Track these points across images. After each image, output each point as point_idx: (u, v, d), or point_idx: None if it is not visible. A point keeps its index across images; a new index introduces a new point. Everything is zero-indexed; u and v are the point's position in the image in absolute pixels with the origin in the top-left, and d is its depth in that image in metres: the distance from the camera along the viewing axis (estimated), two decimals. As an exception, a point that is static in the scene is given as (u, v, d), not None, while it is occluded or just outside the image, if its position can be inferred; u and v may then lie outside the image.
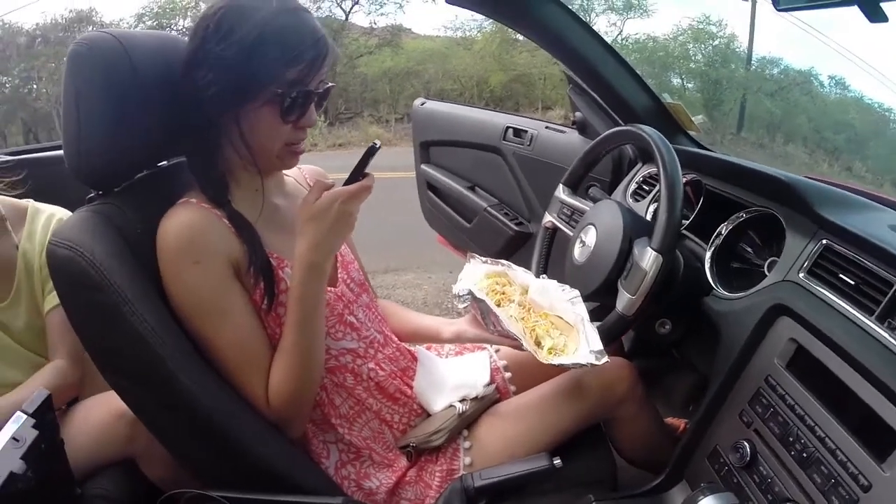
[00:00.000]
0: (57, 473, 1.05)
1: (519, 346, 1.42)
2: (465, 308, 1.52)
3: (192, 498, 1.16)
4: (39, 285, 1.67)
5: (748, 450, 1.27)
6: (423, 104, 3.36)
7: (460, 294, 1.52)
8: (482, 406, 1.55)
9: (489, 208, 2.98)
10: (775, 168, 1.57)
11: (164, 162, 1.43)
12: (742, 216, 1.59)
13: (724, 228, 1.60)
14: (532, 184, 2.82)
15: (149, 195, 1.30)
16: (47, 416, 1.01)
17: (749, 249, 1.61)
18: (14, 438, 0.93)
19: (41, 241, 1.68)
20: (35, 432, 0.96)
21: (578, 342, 1.39)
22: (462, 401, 1.50)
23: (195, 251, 1.19)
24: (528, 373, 1.65)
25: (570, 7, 1.91)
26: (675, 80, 17.32)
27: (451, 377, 1.58)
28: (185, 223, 1.20)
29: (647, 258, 1.38)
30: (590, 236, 1.61)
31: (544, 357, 1.37)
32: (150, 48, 1.24)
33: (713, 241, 1.60)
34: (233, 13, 1.18)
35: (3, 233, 1.66)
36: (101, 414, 1.52)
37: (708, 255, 1.60)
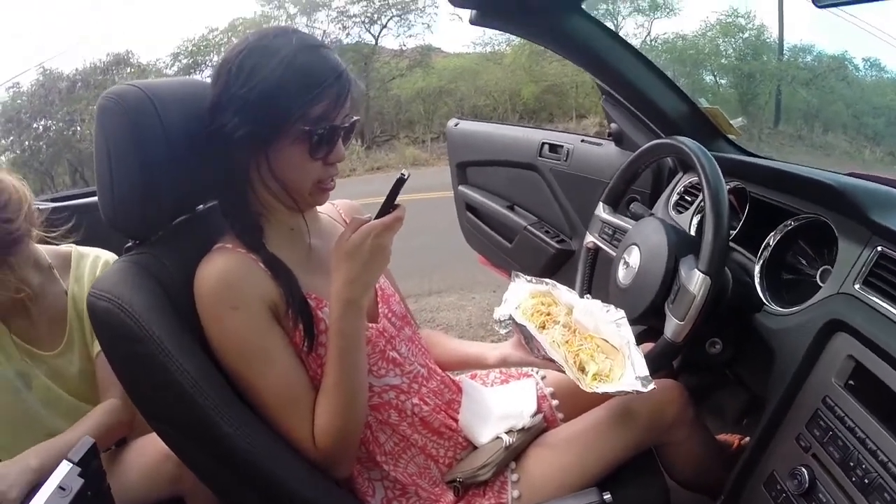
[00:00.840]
0: None
1: (563, 372, 1.37)
2: (506, 332, 1.50)
3: None
4: (90, 329, 1.67)
5: (806, 476, 1.19)
6: (456, 125, 3.33)
7: (501, 319, 1.50)
8: (529, 437, 1.51)
9: (529, 227, 2.94)
10: (817, 161, 1.51)
11: (201, 206, 1.44)
12: (790, 224, 1.52)
13: (772, 239, 1.54)
14: (571, 199, 2.78)
15: (185, 241, 1.30)
16: (93, 464, 1.01)
17: (800, 259, 1.54)
18: (60, 487, 0.93)
19: (89, 283, 1.68)
20: (81, 480, 0.96)
21: (624, 367, 1.34)
22: (509, 432, 1.47)
23: (232, 297, 1.18)
24: (576, 399, 1.59)
25: (594, 13, 1.88)
26: (708, 78, 17.04)
27: (497, 407, 1.54)
28: (221, 270, 1.20)
29: (695, 281, 1.33)
30: (633, 257, 1.57)
31: (588, 385, 1.32)
32: (175, 96, 1.25)
33: (761, 253, 1.54)
34: (254, 54, 1.19)
35: (52, 280, 1.67)
36: (148, 455, 1.54)
37: (757, 268, 1.53)
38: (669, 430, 1.53)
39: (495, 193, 3.17)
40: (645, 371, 1.29)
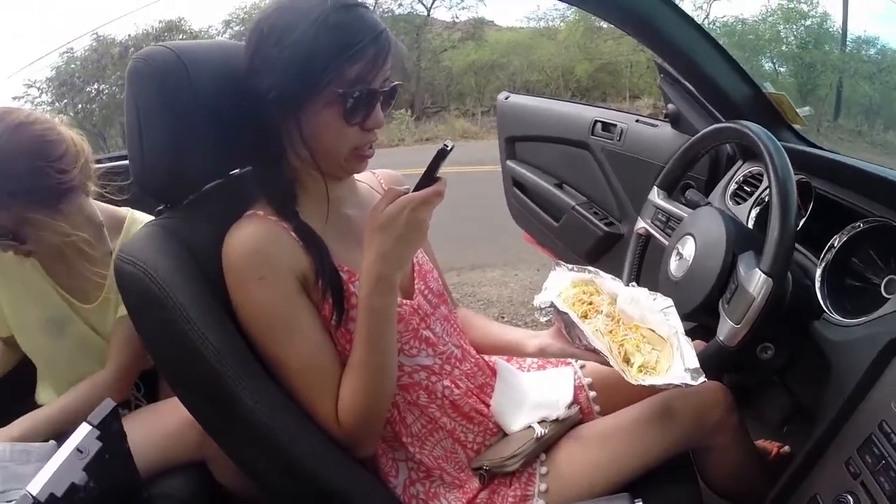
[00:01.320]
0: (122, 481, 1.06)
1: (606, 362, 1.31)
2: (547, 321, 1.43)
3: None
4: None
5: None
6: (507, 98, 3.27)
7: (542, 307, 1.42)
8: (563, 428, 1.45)
9: (577, 207, 2.87)
10: (877, 160, 1.42)
11: (236, 171, 1.42)
12: (859, 226, 1.41)
13: (836, 241, 1.42)
14: (623, 181, 2.69)
15: (217, 206, 1.28)
16: (112, 427, 1.02)
17: (865, 265, 1.43)
18: (78, 450, 0.94)
19: None
20: (99, 443, 0.96)
21: (672, 359, 1.27)
22: (541, 423, 1.41)
23: (261, 267, 1.16)
24: (615, 392, 1.54)
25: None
26: (767, 65, 16.56)
27: (532, 394, 1.49)
28: (251, 237, 1.17)
29: (756, 281, 1.25)
30: (688, 248, 1.49)
31: (634, 377, 1.26)
32: (209, 58, 1.23)
33: (824, 255, 1.43)
34: (287, 14, 1.15)
35: (101, 239, 1.71)
36: (173, 419, 1.54)
37: (818, 271, 1.42)
38: (711, 435, 1.45)
39: (544, 170, 3.10)
40: (695, 363, 1.22)
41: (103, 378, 1.67)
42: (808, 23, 15.99)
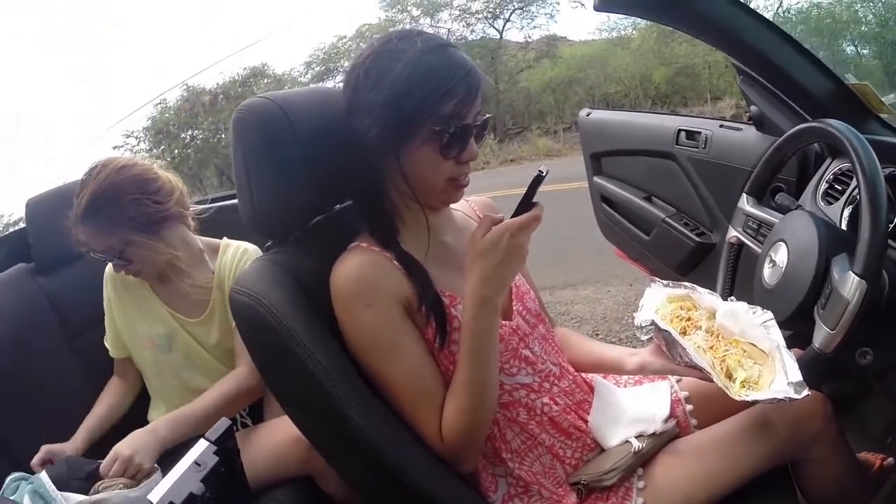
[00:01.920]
0: (235, 493, 1.11)
1: (708, 379, 1.30)
2: (648, 339, 1.43)
3: None
4: None
5: None
6: (588, 115, 3.27)
7: (642, 325, 1.42)
8: (660, 443, 1.44)
9: (668, 219, 2.82)
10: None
11: (337, 206, 1.49)
12: None
13: None
14: (711, 189, 2.64)
15: (321, 241, 1.36)
16: (228, 443, 1.07)
17: None
18: (196, 463, 1.00)
19: (231, 267, 1.97)
20: (216, 458, 1.02)
21: (775, 373, 1.25)
22: (639, 437, 1.41)
23: (367, 295, 1.22)
24: (712, 406, 1.52)
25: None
26: (849, 49, 15.78)
27: (629, 409, 1.49)
28: (356, 268, 1.23)
29: (849, 284, 1.22)
30: (780, 254, 1.47)
31: (737, 392, 1.24)
32: (305, 105, 1.32)
33: None
34: (381, 59, 1.22)
35: (202, 262, 1.98)
36: (281, 435, 1.67)
37: None
38: (809, 447, 1.42)
39: (631, 184, 3.08)
40: (798, 377, 1.20)
41: (238, 373, 1.84)
42: None
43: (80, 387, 2.06)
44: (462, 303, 1.25)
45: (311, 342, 1.17)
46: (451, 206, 1.43)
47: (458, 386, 1.23)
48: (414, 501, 1.20)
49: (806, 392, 1.18)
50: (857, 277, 1.21)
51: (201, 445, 1.03)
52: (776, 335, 1.30)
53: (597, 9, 1.85)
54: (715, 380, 1.27)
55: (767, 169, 1.75)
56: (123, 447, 1.59)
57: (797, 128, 1.62)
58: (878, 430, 1.98)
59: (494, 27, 18.58)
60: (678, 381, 1.61)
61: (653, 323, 1.39)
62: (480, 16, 18.29)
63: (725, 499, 1.32)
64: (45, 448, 1.76)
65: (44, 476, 1.51)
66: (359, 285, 1.22)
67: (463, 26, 18.20)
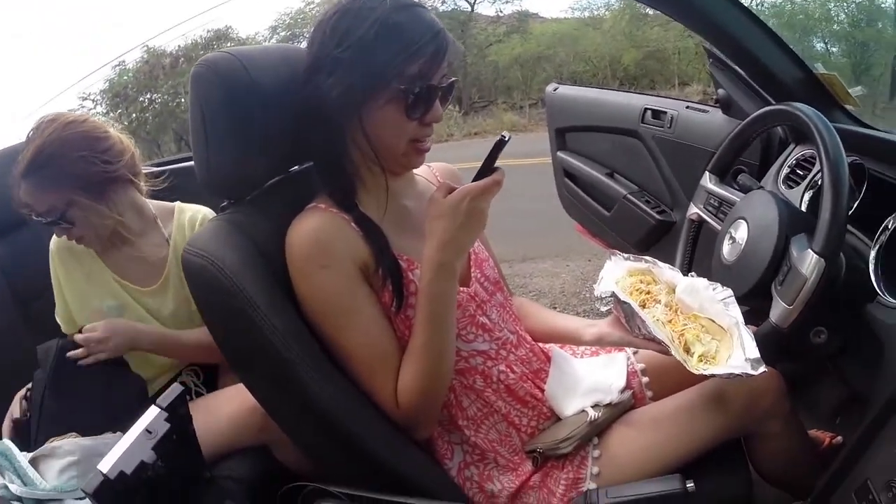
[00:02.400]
0: (187, 461, 1.11)
1: (666, 352, 1.32)
2: (607, 310, 1.45)
3: (312, 491, 1.24)
4: None
5: None
6: (555, 90, 3.27)
7: (602, 296, 1.44)
8: (615, 413, 1.47)
9: (629, 195, 2.86)
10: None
11: (295, 167, 1.48)
12: None
13: (891, 222, 1.38)
14: (674, 168, 2.68)
15: (278, 201, 1.35)
16: (180, 410, 1.06)
17: None
18: (147, 430, 0.99)
19: (186, 232, 1.91)
20: (167, 425, 1.01)
21: (732, 348, 1.28)
22: (594, 407, 1.44)
23: (323, 256, 1.21)
24: (668, 378, 1.55)
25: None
26: (819, 45, 15.85)
27: (586, 379, 1.51)
28: (313, 229, 1.23)
29: (808, 262, 1.24)
30: (740, 232, 1.49)
31: (694, 366, 1.26)
32: (269, 62, 1.29)
33: (878, 237, 1.39)
34: (348, 15, 1.20)
35: (155, 228, 1.91)
36: (236, 403, 1.63)
37: (872, 253, 1.38)
38: (762, 421, 1.46)
39: (595, 160, 3.09)
40: (756, 353, 1.22)
41: None
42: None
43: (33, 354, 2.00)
44: (420, 267, 1.25)
45: (266, 305, 1.16)
46: (414, 171, 1.43)
47: (414, 350, 1.24)
48: (370, 468, 1.21)
49: (763, 369, 1.20)
50: (816, 255, 1.23)
51: (152, 412, 1.02)
52: (735, 312, 1.32)
53: None
54: (673, 353, 1.29)
55: (732, 149, 1.77)
56: (105, 328, 1.66)
57: (764, 109, 1.64)
58: (828, 409, 2.05)
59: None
60: (634, 354, 1.64)
61: (613, 294, 1.41)
62: (453, -15, 18.13)
63: (679, 469, 1.33)
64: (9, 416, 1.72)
65: (8, 441, 1.48)
66: (315, 247, 1.21)
67: (435, -5, 18.00)
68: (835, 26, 15.57)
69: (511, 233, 5.28)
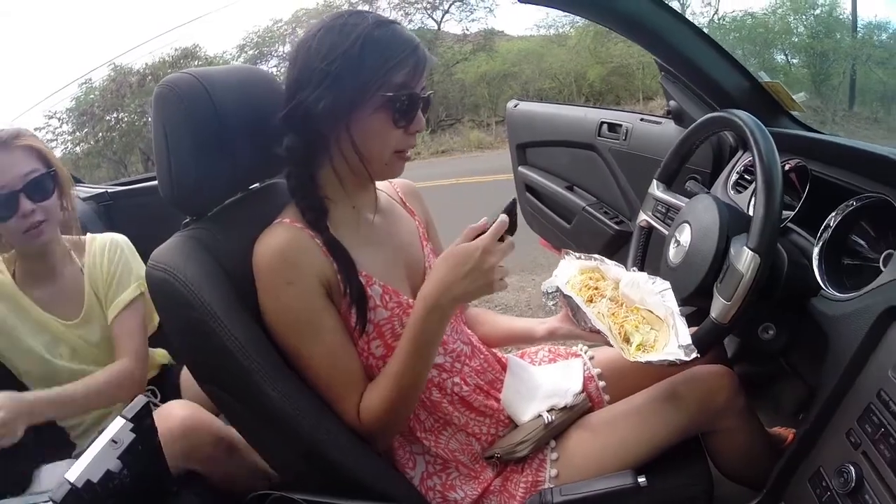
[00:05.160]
0: (153, 471, 1.14)
1: (609, 344, 1.37)
2: (554, 305, 1.50)
3: (277, 499, 1.24)
4: (108, 300, 1.91)
5: (853, 474, 1.12)
6: (516, 106, 3.32)
7: (548, 291, 1.50)
8: (572, 416, 1.50)
9: (588, 207, 2.90)
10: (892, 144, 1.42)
11: (256, 185, 1.51)
12: (852, 204, 1.41)
13: (832, 220, 1.43)
14: (630, 179, 2.72)
15: (240, 217, 1.38)
16: (145, 421, 1.09)
17: (862, 242, 1.44)
18: (113, 440, 1.02)
19: (101, 260, 1.92)
20: (132, 435, 1.04)
21: (669, 337, 1.32)
22: (550, 411, 1.46)
23: (288, 272, 1.24)
24: (624, 381, 1.59)
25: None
26: (779, 57, 16.22)
27: (542, 386, 1.54)
28: (279, 244, 1.25)
29: (744, 259, 1.27)
30: (684, 235, 1.52)
31: (631, 354, 1.32)
32: (228, 82, 1.33)
33: (821, 234, 1.44)
34: (332, 32, 1.25)
35: (70, 262, 1.92)
36: (163, 429, 1.60)
37: (816, 250, 1.43)
38: (718, 418, 1.49)
39: (555, 174, 3.15)
40: (688, 340, 1.27)
41: (123, 364, 1.81)
42: (818, 12, 15.73)
43: None
44: (379, 284, 1.31)
45: (228, 317, 1.18)
46: (377, 185, 1.47)
47: (388, 375, 1.26)
48: (331, 476, 1.23)
49: (695, 354, 1.25)
50: (750, 252, 1.27)
51: (118, 423, 1.05)
52: (671, 302, 1.36)
53: (521, 0, 1.90)
54: (612, 342, 1.35)
55: (677, 157, 1.81)
56: (4, 408, 1.55)
57: (704, 118, 1.68)
58: (790, 407, 2.09)
59: (433, 18, 18.53)
60: (591, 359, 1.67)
61: (557, 289, 1.47)
62: (420, 5, 18.20)
63: (638, 468, 1.35)
64: None
65: None
66: (281, 262, 1.23)
67: (401, 15, 18.00)
68: (794, 38, 15.84)
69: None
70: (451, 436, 1.43)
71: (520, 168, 3.31)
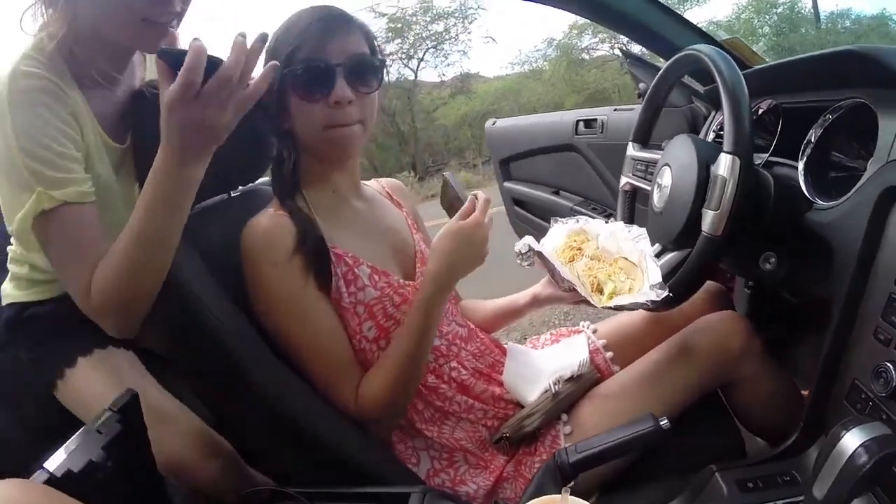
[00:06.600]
0: (140, 465, 1.10)
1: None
2: (529, 265, 1.47)
3: (274, 494, 1.20)
4: None
5: (893, 372, 1.05)
6: (494, 124, 3.35)
7: (522, 252, 1.47)
8: (581, 387, 1.44)
9: (575, 207, 2.88)
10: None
11: (240, 188, 1.55)
12: (829, 118, 1.37)
13: (812, 135, 1.38)
14: (613, 171, 2.66)
15: (224, 215, 1.43)
16: (132, 413, 1.06)
17: (846, 156, 1.39)
18: (98, 430, 0.98)
19: None
20: (118, 426, 1.01)
21: (643, 282, 1.29)
22: (556, 382, 1.41)
23: (271, 253, 1.25)
24: (632, 348, 1.54)
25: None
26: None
27: (548, 367, 1.49)
28: (263, 228, 1.27)
29: (724, 164, 1.23)
30: (665, 177, 1.47)
31: (602, 302, 1.29)
32: None
33: (803, 151, 1.39)
34: (280, 29, 1.29)
35: None
36: None
37: (800, 166, 1.38)
38: (735, 366, 1.42)
39: (539, 182, 3.15)
40: (658, 278, 1.25)
41: None
42: (780, 10, 16.10)
43: None
44: (367, 264, 1.32)
45: (214, 305, 1.21)
46: (363, 183, 1.49)
47: (392, 356, 1.26)
48: (333, 465, 1.23)
49: (665, 293, 1.23)
50: (728, 155, 1.23)
51: (104, 414, 1.01)
52: (644, 246, 1.36)
53: None
54: (581, 292, 1.32)
55: (647, 115, 1.78)
56: None
57: (666, 64, 1.67)
58: (810, 369, 2.01)
59: (409, 67, 18.73)
60: (594, 332, 1.63)
61: (530, 248, 1.44)
62: (395, 57, 18.41)
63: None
64: None
65: None
66: (264, 245, 1.25)
67: (377, 65, 18.32)
68: (761, 40, 16.13)
69: (475, 276, 5.28)
70: (454, 425, 1.38)
71: (505, 183, 3.32)
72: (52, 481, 0.88)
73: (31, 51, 1.24)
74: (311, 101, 1.26)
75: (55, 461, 0.90)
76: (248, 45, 1.03)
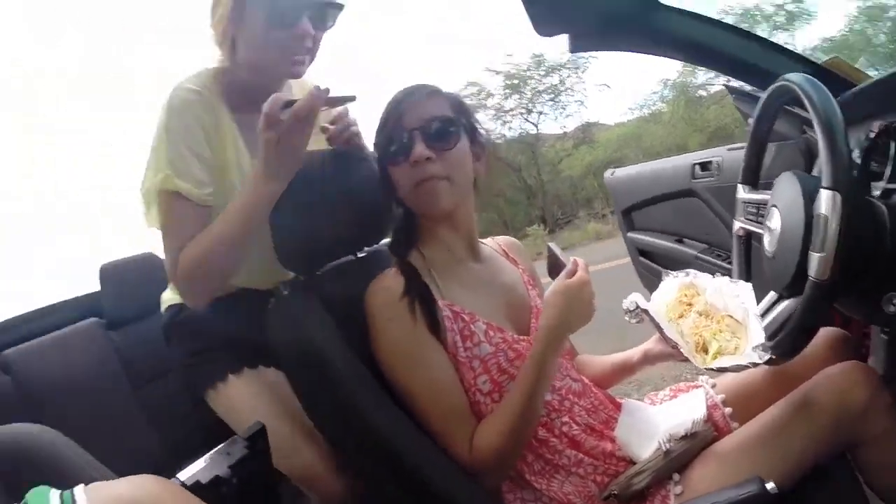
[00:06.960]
0: (261, 485, 1.30)
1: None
2: (637, 322, 1.44)
3: None
4: None
5: None
6: (612, 174, 3.36)
7: (629, 309, 1.44)
8: (695, 446, 1.37)
9: (700, 255, 2.80)
10: None
11: (365, 252, 1.62)
12: None
13: None
14: (733, 214, 2.61)
15: (349, 274, 1.51)
16: (259, 443, 1.27)
17: None
18: (227, 452, 1.20)
19: None
20: (245, 451, 1.22)
21: (748, 341, 1.24)
22: (668, 440, 1.36)
23: (389, 309, 1.33)
24: (753, 404, 1.44)
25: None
26: (871, 72, 15.74)
27: (664, 423, 1.43)
28: (382, 287, 1.36)
29: (825, 202, 1.16)
30: (774, 220, 1.41)
31: (704, 362, 1.26)
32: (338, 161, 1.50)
33: None
34: None
35: None
36: None
37: None
38: (861, 422, 1.30)
39: (662, 231, 3.10)
40: (760, 339, 1.20)
41: None
42: (893, 14, 15.22)
43: (145, 434, 2.19)
44: (484, 321, 1.38)
45: (339, 358, 1.28)
46: (481, 241, 1.55)
47: (507, 407, 1.30)
48: None
49: (768, 356, 1.19)
50: (828, 191, 1.16)
51: (234, 440, 1.24)
52: (749, 303, 1.31)
53: (571, 50, 1.94)
54: (684, 352, 1.29)
55: (752, 154, 1.72)
56: None
57: (760, 101, 1.61)
58: None
59: (530, 121, 18.92)
60: (713, 387, 1.57)
61: (637, 306, 1.42)
62: (515, 112, 18.61)
63: (778, 499, 1.18)
64: None
65: None
66: (384, 302, 1.34)
67: (500, 125, 18.46)
68: (878, 49, 15.46)
69: (599, 331, 5.18)
70: (564, 479, 1.37)
71: (628, 234, 3.29)
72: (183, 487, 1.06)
73: (195, 76, 1.58)
74: (397, 164, 1.38)
75: (187, 472, 1.10)
76: (315, 95, 1.30)
